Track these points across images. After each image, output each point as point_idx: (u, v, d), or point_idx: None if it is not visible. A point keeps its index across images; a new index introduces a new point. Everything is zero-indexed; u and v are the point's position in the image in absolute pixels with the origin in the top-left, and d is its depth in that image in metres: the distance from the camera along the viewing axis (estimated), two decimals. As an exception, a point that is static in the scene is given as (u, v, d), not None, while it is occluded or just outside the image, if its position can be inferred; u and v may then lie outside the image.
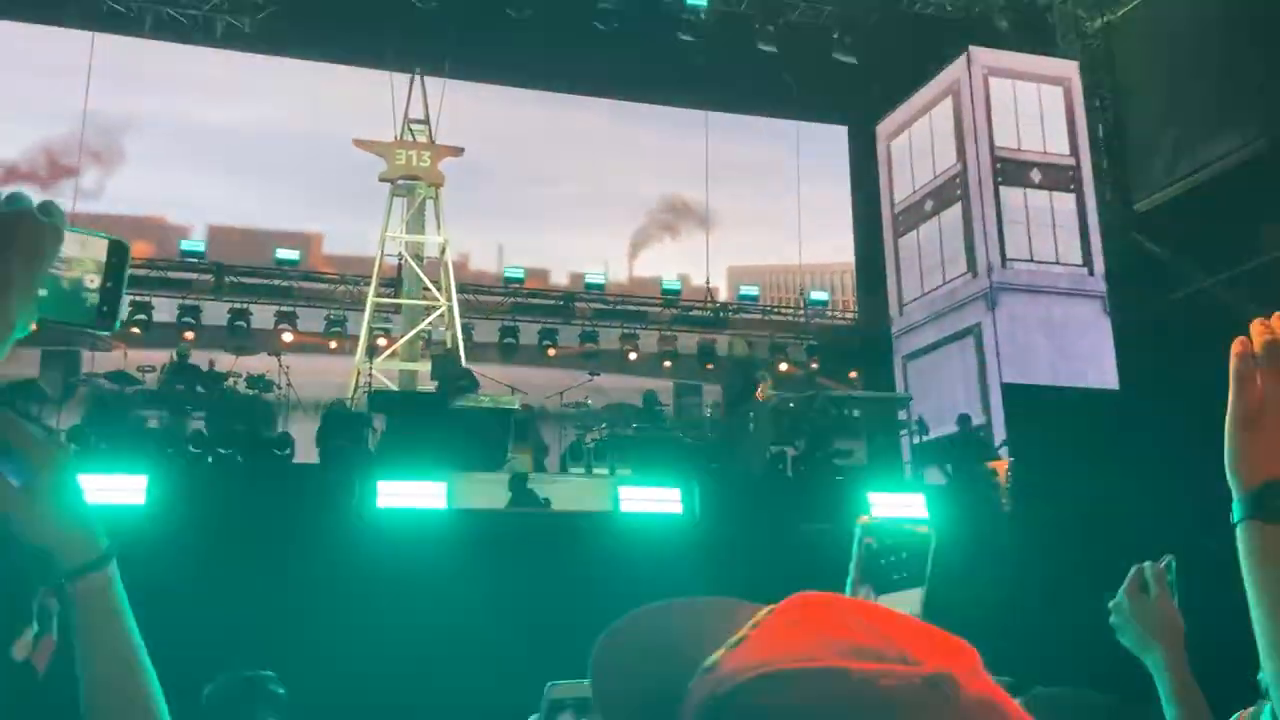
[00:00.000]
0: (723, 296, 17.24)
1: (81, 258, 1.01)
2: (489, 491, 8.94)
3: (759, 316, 17.40)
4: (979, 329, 14.99)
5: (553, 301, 16.52)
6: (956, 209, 15.73)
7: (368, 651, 6.46)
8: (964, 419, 12.39)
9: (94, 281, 1.01)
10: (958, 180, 15.71)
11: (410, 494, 7.89)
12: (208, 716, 2.75)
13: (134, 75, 14.93)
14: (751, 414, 11.25)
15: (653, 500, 8.43)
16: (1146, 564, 1.76)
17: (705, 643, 0.61)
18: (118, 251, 1.03)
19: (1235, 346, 0.98)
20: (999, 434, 12.92)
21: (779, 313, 17.53)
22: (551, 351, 15.60)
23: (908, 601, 1.03)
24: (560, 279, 16.77)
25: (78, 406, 12.10)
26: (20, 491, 0.79)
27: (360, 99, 15.45)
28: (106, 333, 1.02)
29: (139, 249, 15.07)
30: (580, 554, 7.58)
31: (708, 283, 17.07)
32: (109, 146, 15.13)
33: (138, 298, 14.00)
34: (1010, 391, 13.02)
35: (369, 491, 7.79)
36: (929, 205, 16.38)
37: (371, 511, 7.72)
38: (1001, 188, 15.21)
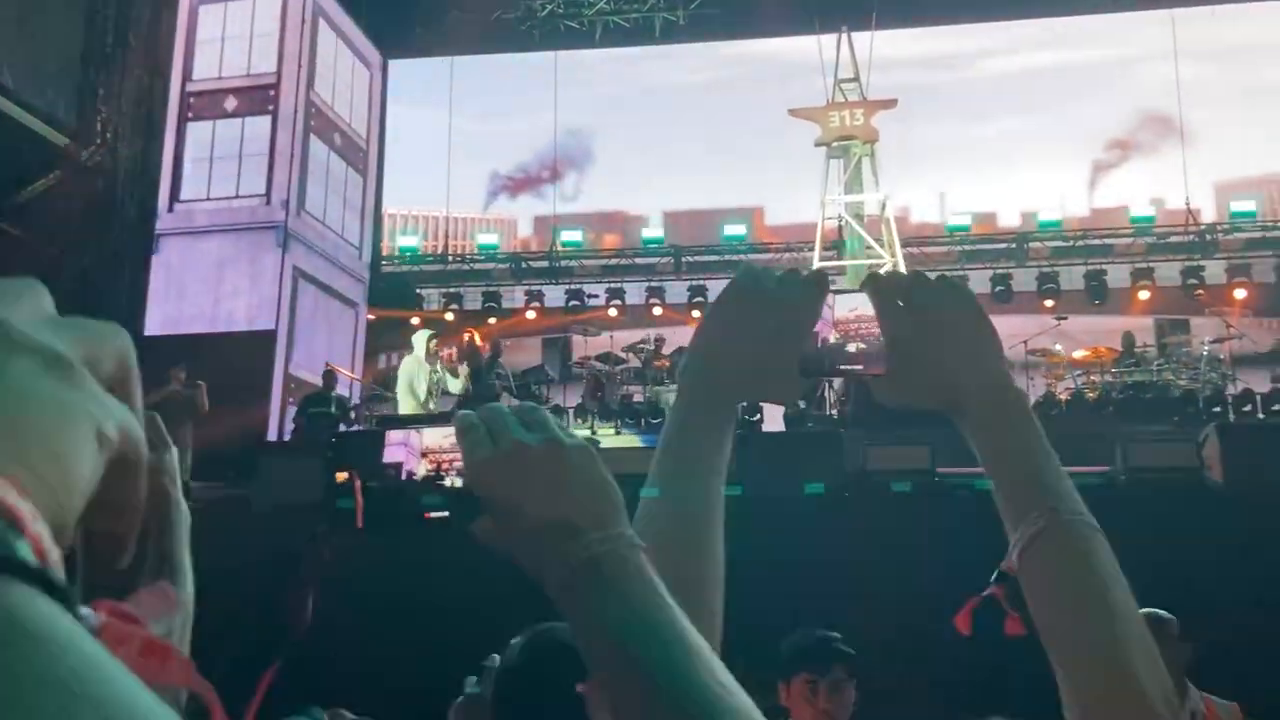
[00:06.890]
0: (1209, 218, 15.09)
1: None
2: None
3: (1259, 235, 15.00)
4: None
5: (1004, 245, 15.59)
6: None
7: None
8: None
9: None
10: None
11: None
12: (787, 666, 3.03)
13: (590, 82, 16.57)
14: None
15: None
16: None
17: None
18: None
19: None
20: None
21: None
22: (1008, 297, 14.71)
23: None
24: (1010, 221, 15.73)
25: (575, 386, 13.83)
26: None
27: (790, 70, 15.79)
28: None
29: (609, 240, 16.77)
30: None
31: (1187, 204, 15.02)
32: (580, 151, 16.91)
33: (612, 284, 15.51)
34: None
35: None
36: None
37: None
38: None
